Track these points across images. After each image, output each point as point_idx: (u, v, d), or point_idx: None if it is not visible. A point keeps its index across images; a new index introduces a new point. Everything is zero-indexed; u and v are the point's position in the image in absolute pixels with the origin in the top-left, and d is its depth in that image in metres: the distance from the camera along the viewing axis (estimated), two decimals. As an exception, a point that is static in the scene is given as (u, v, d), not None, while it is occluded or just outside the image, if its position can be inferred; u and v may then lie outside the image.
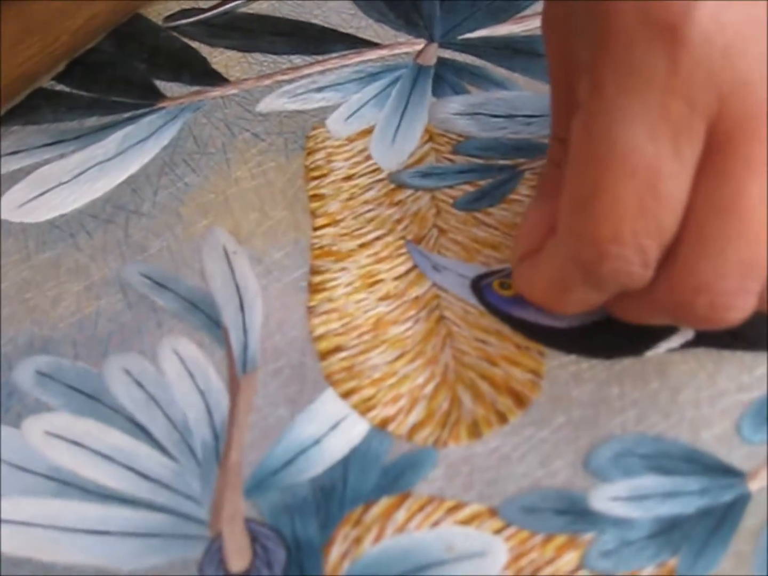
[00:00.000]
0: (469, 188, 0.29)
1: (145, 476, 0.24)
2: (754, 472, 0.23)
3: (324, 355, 0.25)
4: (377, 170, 0.29)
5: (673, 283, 0.21)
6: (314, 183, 0.29)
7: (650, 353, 0.25)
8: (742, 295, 0.21)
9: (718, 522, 0.22)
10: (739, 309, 0.21)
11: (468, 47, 0.32)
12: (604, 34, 0.21)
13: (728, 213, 0.21)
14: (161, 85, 0.32)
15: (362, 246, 0.27)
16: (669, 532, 0.22)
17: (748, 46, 0.20)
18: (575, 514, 0.23)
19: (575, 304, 0.24)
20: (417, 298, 0.26)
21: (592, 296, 0.23)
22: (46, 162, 0.30)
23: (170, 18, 0.34)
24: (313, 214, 0.28)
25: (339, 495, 0.23)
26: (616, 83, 0.21)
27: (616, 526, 0.22)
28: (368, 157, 0.29)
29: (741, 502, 0.23)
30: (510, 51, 0.32)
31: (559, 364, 0.25)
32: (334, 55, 0.32)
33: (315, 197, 0.29)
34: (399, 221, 0.28)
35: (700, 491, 0.23)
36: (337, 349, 0.25)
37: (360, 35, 0.33)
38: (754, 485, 0.23)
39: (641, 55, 0.20)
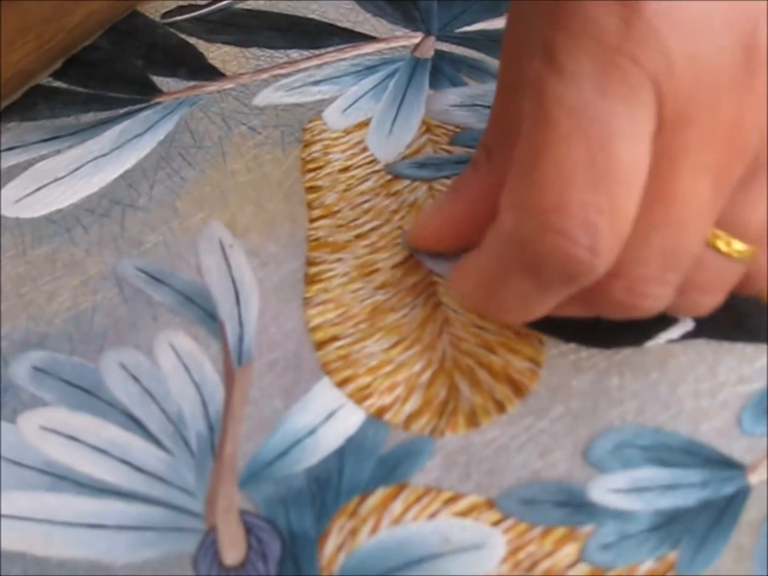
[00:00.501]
0: (466, 178, 0.29)
1: (140, 469, 0.23)
2: (755, 464, 0.23)
3: (320, 345, 0.25)
4: (374, 161, 0.29)
5: (624, 273, 0.21)
6: (310, 175, 0.29)
7: (650, 344, 0.25)
8: (659, 284, 0.21)
9: (719, 515, 0.22)
10: (656, 297, 0.21)
11: (466, 40, 0.32)
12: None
13: (658, 198, 0.20)
14: (158, 80, 0.32)
15: (358, 237, 0.27)
16: (669, 524, 0.22)
17: (703, 31, 0.20)
18: (574, 506, 0.22)
19: (512, 306, 0.22)
20: (414, 285, 0.26)
21: (531, 294, 0.21)
22: (43, 158, 0.30)
23: (167, 14, 0.34)
24: (310, 206, 0.28)
25: (334, 486, 0.23)
26: (568, 45, 0.20)
27: (615, 518, 0.22)
28: (365, 149, 0.29)
29: (741, 495, 0.22)
30: (508, 44, 0.32)
31: (559, 353, 0.25)
32: (331, 49, 0.32)
33: (311, 189, 0.29)
34: (396, 211, 0.28)
35: (701, 484, 0.23)
36: (333, 338, 0.25)
37: (357, 29, 0.33)
38: (755, 478, 0.23)
39: (595, 16, 0.20)
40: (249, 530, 0.22)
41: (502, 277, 0.21)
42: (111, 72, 0.32)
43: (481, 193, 0.24)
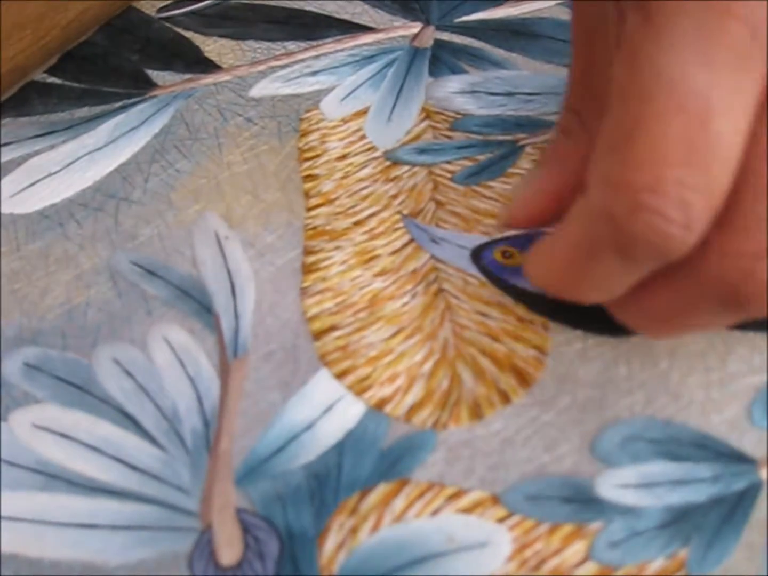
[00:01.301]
0: (467, 163, 0.28)
1: (133, 467, 0.23)
2: (764, 459, 0.22)
3: (318, 335, 0.24)
4: (372, 148, 0.29)
5: (726, 250, 0.19)
6: (308, 164, 0.28)
7: (659, 331, 0.24)
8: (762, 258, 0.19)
9: (730, 511, 0.21)
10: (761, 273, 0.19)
11: (465, 29, 0.32)
12: None
13: (756, 170, 0.18)
14: (153, 74, 0.32)
15: (357, 223, 0.27)
16: (679, 521, 0.21)
17: None
18: (582, 502, 0.22)
19: (597, 285, 0.21)
20: (414, 271, 0.26)
21: (618, 272, 0.20)
22: (37, 153, 0.29)
23: (163, 9, 0.34)
24: (307, 194, 0.28)
25: (334, 482, 0.22)
26: (669, 5, 0.18)
27: (624, 515, 0.21)
28: (363, 137, 0.29)
29: (753, 491, 0.22)
30: (508, 32, 0.32)
31: (565, 340, 0.24)
32: (328, 40, 0.32)
33: (308, 178, 0.28)
34: (395, 196, 0.27)
35: (712, 479, 0.22)
36: (332, 328, 0.25)
37: (355, 21, 0.33)
38: (765, 473, 0.22)
39: None
40: (246, 529, 0.22)
41: (589, 255, 0.20)
42: (106, 67, 0.32)
43: (583, 161, 0.22)
